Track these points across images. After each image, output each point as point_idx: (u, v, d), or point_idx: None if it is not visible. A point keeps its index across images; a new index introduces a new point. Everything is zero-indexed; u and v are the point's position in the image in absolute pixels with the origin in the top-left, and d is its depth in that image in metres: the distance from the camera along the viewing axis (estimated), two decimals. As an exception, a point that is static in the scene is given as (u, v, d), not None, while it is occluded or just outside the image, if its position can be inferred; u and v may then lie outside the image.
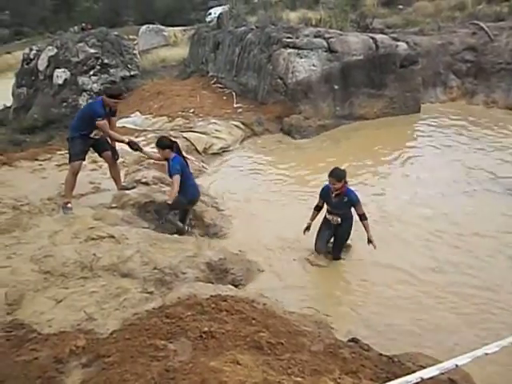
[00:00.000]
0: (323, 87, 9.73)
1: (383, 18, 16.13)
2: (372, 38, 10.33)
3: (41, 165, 6.56)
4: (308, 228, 5.20)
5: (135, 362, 2.53)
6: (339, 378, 2.61)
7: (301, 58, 9.71)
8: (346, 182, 4.91)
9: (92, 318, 3.34)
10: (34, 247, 4.26)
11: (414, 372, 2.97)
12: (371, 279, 4.81)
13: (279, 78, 9.82)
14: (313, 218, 5.22)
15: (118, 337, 2.89)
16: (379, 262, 5.03)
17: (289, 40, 10.14)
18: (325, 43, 10.08)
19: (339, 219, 5.02)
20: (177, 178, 5.05)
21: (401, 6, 17.82)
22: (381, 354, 3.44)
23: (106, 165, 6.72)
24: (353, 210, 4.99)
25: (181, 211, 5.54)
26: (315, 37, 10.28)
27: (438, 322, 4.14)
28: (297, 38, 10.26)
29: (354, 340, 3.72)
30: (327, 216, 5.15)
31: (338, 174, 4.85)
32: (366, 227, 4.93)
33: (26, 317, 3.32)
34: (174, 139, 5.59)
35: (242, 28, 12.00)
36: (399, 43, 10.49)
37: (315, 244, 5.19)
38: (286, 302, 4.40)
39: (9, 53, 32.60)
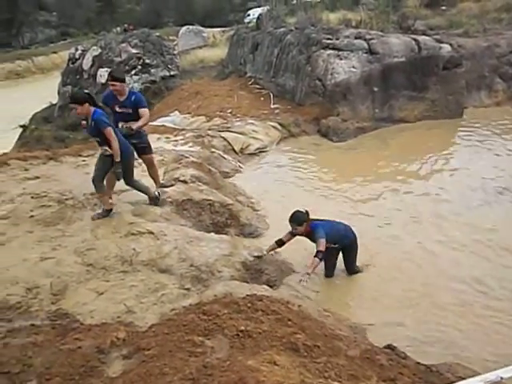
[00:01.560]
0: (362, 89, 9.60)
1: (426, 19, 15.72)
2: (414, 40, 10.12)
3: (84, 161, 6.77)
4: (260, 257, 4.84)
5: (174, 356, 2.57)
6: (377, 385, 2.57)
7: (340, 59, 9.62)
8: (310, 221, 4.59)
9: (131, 311, 3.42)
10: (77, 240, 4.40)
11: (453, 383, 2.90)
12: (406, 286, 4.70)
13: (318, 80, 9.76)
14: (269, 250, 4.89)
15: (156, 331, 2.95)
16: (411, 267, 4.94)
17: (328, 41, 10.07)
18: (365, 44, 9.95)
19: (335, 245, 4.73)
20: (110, 129, 4.61)
21: (444, 7, 17.33)
22: (418, 363, 3.37)
23: (145, 162, 6.91)
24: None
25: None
26: (356, 38, 10.17)
27: (477, 335, 4.00)
28: (337, 39, 10.17)
29: (390, 347, 3.65)
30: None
31: (297, 219, 4.59)
32: (312, 262, 4.38)
33: (69, 307, 3.44)
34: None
35: (282, 29, 11.99)
36: (443, 45, 10.23)
37: (324, 274, 4.95)
38: (320, 304, 4.39)
39: (55, 52, 33.90)
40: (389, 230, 5.78)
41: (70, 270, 3.90)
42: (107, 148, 4.74)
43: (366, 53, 9.82)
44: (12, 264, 3.88)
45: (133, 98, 5.26)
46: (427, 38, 10.58)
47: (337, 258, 4.90)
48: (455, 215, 6.03)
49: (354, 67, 9.57)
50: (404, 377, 2.92)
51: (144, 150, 5.68)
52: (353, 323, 4.20)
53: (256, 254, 4.80)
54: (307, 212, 4.66)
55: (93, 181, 4.96)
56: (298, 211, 4.69)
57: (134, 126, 5.17)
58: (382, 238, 5.60)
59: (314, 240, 4.59)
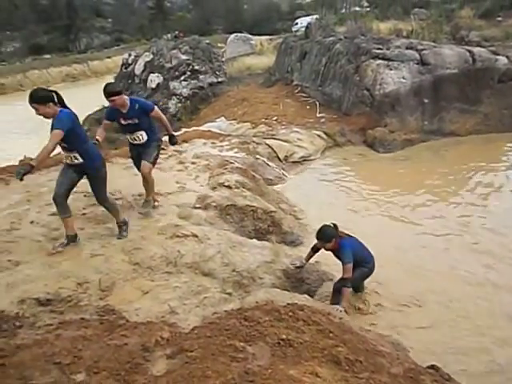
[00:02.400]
0: (412, 100, 9.41)
1: (480, 30, 15.22)
2: (469, 51, 9.83)
3: (133, 162, 6.99)
4: (300, 267, 4.75)
5: (216, 360, 2.60)
6: (422, 406, 2.48)
7: (390, 69, 9.47)
8: (339, 237, 4.35)
9: (175, 312, 3.49)
10: (125, 239, 4.54)
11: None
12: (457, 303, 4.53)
13: (366, 90, 9.65)
14: (307, 259, 4.78)
15: (199, 333, 2.99)
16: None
17: (379, 51, 9.95)
18: (417, 55, 9.76)
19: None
20: (57, 132, 3.82)
21: (500, 18, 16.73)
22: (464, 387, 3.23)
23: (192, 166, 7.06)
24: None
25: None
26: (407, 48, 9.99)
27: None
28: (387, 49, 10.03)
29: (433, 367, 3.52)
30: None
31: (325, 236, 4.32)
32: (343, 295, 4.19)
33: (116, 303, 3.55)
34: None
35: (331, 38, 11.97)
36: (499, 57, 9.87)
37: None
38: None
39: (109, 57, 35.34)
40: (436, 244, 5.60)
41: (118, 267, 4.03)
42: (76, 155, 4.07)
43: (418, 63, 9.63)
44: (64, 259, 4.06)
45: (136, 106, 4.86)
46: (482, 49, 10.25)
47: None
48: None
49: (404, 78, 9.40)
50: (450, 400, 2.81)
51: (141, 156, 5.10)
52: (394, 340, 4.09)
53: (298, 265, 4.74)
54: (336, 226, 4.39)
55: (55, 199, 4.22)
56: (326, 226, 4.38)
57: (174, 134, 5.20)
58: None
59: (339, 257, 4.36)
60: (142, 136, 5.01)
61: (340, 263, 4.35)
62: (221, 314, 3.44)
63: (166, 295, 3.74)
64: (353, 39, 11.02)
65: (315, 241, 5.48)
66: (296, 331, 3.19)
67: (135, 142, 5.10)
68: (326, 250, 4.47)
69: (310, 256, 4.76)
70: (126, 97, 4.88)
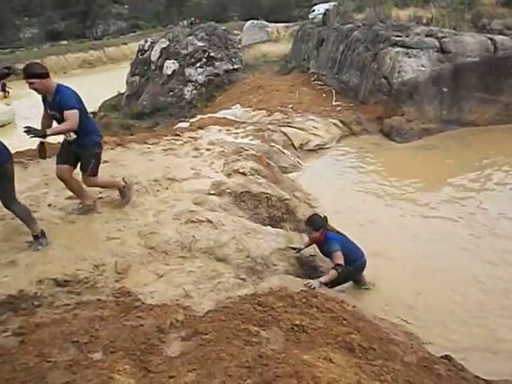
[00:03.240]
0: (431, 89, 9.24)
1: (503, 18, 14.78)
2: (490, 39, 9.58)
3: (149, 148, 7.03)
4: (296, 249, 4.64)
5: (230, 343, 2.62)
6: (436, 394, 2.48)
7: (409, 57, 9.29)
8: (326, 229, 4.34)
9: (189, 296, 3.52)
10: (140, 223, 4.58)
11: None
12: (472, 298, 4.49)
13: (383, 78, 9.50)
14: (306, 245, 4.67)
15: (213, 317, 3.02)
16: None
17: (398, 38, 9.76)
18: (437, 43, 9.55)
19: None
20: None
21: (524, 6, 16.21)
22: (477, 377, 3.22)
23: (207, 152, 7.07)
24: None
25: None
26: (427, 36, 9.78)
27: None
28: (406, 36, 9.84)
29: (447, 357, 3.50)
30: None
31: (314, 224, 4.30)
32: (329, 274, 4.05)
33: (131, 286, 3.59)
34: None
35: (349, 25, 11.78)
36: (522, 46, 9.59)
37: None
38: (373, 307, 4.29)
39: (125, 44, 35.44)
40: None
41: (133, 251, 4.07)
42: None
43: (437, 51, 9.42)
44: (81, 241, 4.11)
45: (57, 98, 4.05)
46: (505, 37, 9.97)
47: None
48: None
49: (423, 66, 9.22)
50: (463, 390, 2.79)
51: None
52: (408, 329, 4.08)
53: (295, 246, 4.67)
54: (326, 218, 4.42)
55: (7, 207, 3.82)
56: (316, 215, 4.52)
57: (49, 131, 3.95)
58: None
59: (324, 251, 4.36)
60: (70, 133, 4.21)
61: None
62: (235, 299, 3.47)
63: (181, 279, 3.78)
64: (371, 26, 10.83)
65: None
66: (310, 317, 3.20)
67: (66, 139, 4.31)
68: (312, 241, 4.47)
69: (309, 243, 4.65)
70: (52, 83, 4.07)
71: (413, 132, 8.87)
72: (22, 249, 3.89)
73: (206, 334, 2.72)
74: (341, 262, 4.10)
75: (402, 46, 9.57)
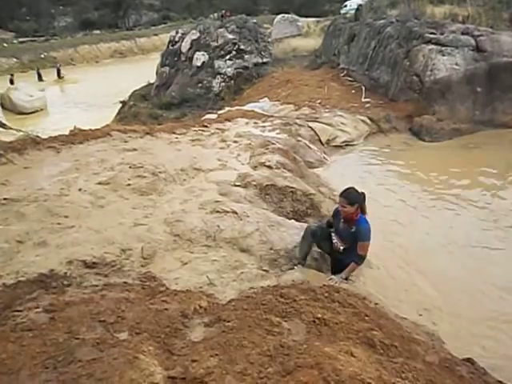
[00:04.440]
0: (464, 88, 9.03)
1: (543, 17, 14.28)
2: (529, 39, 9.28)
3: (177, 138, 7.12)
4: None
5: (252, 331, 2.65)
6: (457, 395, 2.45)
7: (443, 55, 9.10)
8: (361, 210, 3.89)
9: (213, 284, 3.57)
10: (167, 211, 4.66)
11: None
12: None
13: (415, 75, 9.34)
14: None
15: (236, 305, 3.05)
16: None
17: (432, 36, 9.57)
18: (472, 41, 9.32)
19: (341, 248, 4.05)
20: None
21: None
22: (500, 382, 3.16)
23: (234, 144, 7.10)
24: None
25: None
26: (462, 34, 9.56)
27: None
28: (441, 34, 9.63)
29: (469, 360, 3.45)
30: (333, 239, 4.13)
31: (349, 196, 3.83)
32: (350, 268, 3.91)
33: (156, 271, 3.67)
34: None
35: (381, 21, 11.59)
36: (562, 46, 9.26)
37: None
38: (396, 306, 4.25)
39: (156, 35, 35.83)
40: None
41: (159, 237, 4.14)
42: None
43: (473, 50, 9.21)
44: (109, 226, 4.21)
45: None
46: (545, 37, 9.63)
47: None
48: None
49: (457, 64, 9.02)
50: (485, 393, 2.75)
51: None
52: (430, 330, 4.03)
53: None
54: (364, 195, 3.92)
55: None
56: (353, 188, 3.96)
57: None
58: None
59: (349, 232, 3.90)
60: None
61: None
62: (257, 290, 3.49)
63: (205, 267, 3.83)
64: (405, 22, 10.63)
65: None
66: (331, 312, 3.19)
67: None
68: (344, 215, 3.91)
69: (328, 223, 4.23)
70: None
71: (443, 132, 8.70)
72: (53, 229, 4.01)
73: (229, 322, 2.76)
74: (365, 253, 3.87)
75: (435, 44, 9.39)
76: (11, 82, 25.63)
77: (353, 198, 3.81)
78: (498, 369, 3.50)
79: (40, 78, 27.41)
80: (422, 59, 9.30)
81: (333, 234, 4.12)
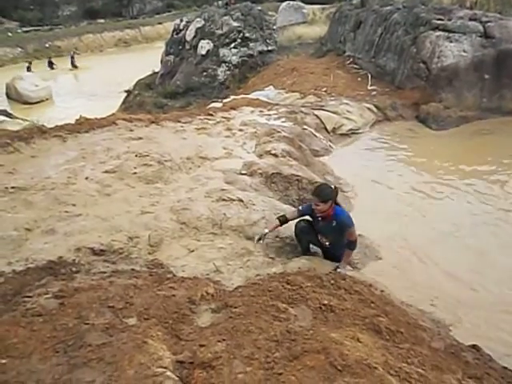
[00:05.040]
0: (471, 75, 8.92)
1: (553, 2, 14.04)
2: (539, 25, 9.13)
3: (182, 127, 7.12)
4: (260, 239, 4.08)
5: (259, 317, 2.68)
6: (463, 380, 2.47)
7: (450, 42, 8.98)
8: (335, 203, 3.87)
9: (219, 271, 3.60)
10: (173, 199, 4.68)
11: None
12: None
13: (422, 62, 9.23)
14: (272, 229, 4.16)
15: (243, 292, 3.08)
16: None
17: (439, 22, 9.43)
18: (480, 27, 9.18)
19: (327, 243, 4.09)
20: None
21: None
22: (505, 368, 3.17)
23: (239, 133, 7.09)
24: None
25: None
26: (470, 20, 9.42)
27: None
28: (449, 20, 9.49)
29: (475, 347, 3.47)
30: (318, 235, 4.14)
31: (321, 194, 3.78)
32: (346, 256, 3.94)
33: (163, 259, 3.70)
34: None
35: (388, 7, 11.43)
36: None
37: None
38: (402, 295, 4.25)
39: (160, 23, 35.59)
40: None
41: (166, 225, 4.17)
42: None
43: (481, 36, 9.07)
44: (116, 213, 4.25)
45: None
46: (554, 23, 9.47)
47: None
48: None
49: (464, 51, 8.90)
50: (491, 378, 2.77)
51: None
52: (436, 317, 4.04)
53: (257, 237, 4.08)
54: (336, 189, 3.92)
55: None
56: (325, 184, 3.99)
57: None
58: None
59: (330, 227, 3.88)
60: None
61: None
62: (264, 277, 3.52)
63: (211, 255, 3.86)
64: (412, 9, 10.48)
65: (361, 214, 5.45)
66: (338, 298, 3.21)
67: None
68: (319, 213, 3.86)
69: (275, 226, 4.18)
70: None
71: (450, 119, 8.62)
72: (61, 217, 4.05)
73: (236, 308, 2.78)
74: (353, 237, 3.85)
75: (443, 30, 9.26)
76: (28, 69, 25.86)
77: (325, 195, 3.79)
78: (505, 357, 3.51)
79: (51, 67, 27.46)
80: (429, 46, 9.19)
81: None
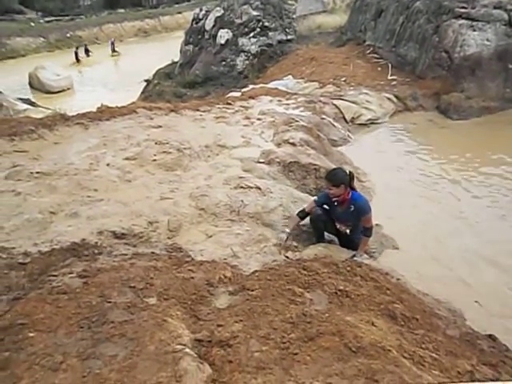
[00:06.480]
0: (495, 65, 8.75)
1: None
2: None
3: (201, 115, 7.18)
4: (287, 239, 4.10)
5: (275, 300, 2.73)
6: (477, 366, 2.49)
7: (474, 30, 8.81)
8: (351, 188, 3.82)
9: (237, 256, 3.66)
10: (192, 186, 4.75)
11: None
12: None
13: (444, 52, 9.08)
14: (293, 228, 4.19)
15: (260, 276, 3.14)
16: None
17: (462, 10, 9.24)
18: (505, 15, 8.97)
19: (347, 231, 4.10)
20: None
21: None
22: (521, 357, 3.17)
23: (257, 122, 7.11)
24: None
25: None
26: (495, 8, 9.19)
27: None
28: (472, 8, 9.28)
29: (491, 337, 3.47)
30: (336, 223, 4.14)
31: (333, 178, 3.75)
32: (363, 243, 3.93)
33: (182, 243, 3.78)
34: None
35: (410, -5, 11.23)
36: None
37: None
38: (418, 284, 4.25)
39: (180, 13, 35.61)
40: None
41: (185, 211, 4.25)
42: None
43: (505, 25, 8.87)
44: (137, 199, 4.34)
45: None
46: None
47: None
48: None
49: (488, 40, 8.72)
50: (506, 365, 2.77)
51: None
52: (452, 306, 4.04)
53: (284, 239, 4.11)
54: (351, 174, 3.83)
55: None
56: (338, 168, 3.95)
57: None
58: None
59: (348, 213, 3.85)
60: None
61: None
62: (280, 262, 3.57)
63: (229, 240, 3.92)
64: (435, -4, 10.28)
65: (379, 204, 5.44)
66: (353, 284, 3.25)
67: None
68: (333, 199, 3.87)
69: (297, 223, 4.24)
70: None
71: (471, 110, 8.47)
72: (83, 202, 4.16)
73: (253, 291, 2.85)
74: (369, 224, 3.83)
75: (466, 19, 9.07)
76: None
77: (337, 179, 3.75)
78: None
79: (87, 54, 27.91)
80: (451, 35, 9.02)
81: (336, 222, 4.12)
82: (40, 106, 14.41)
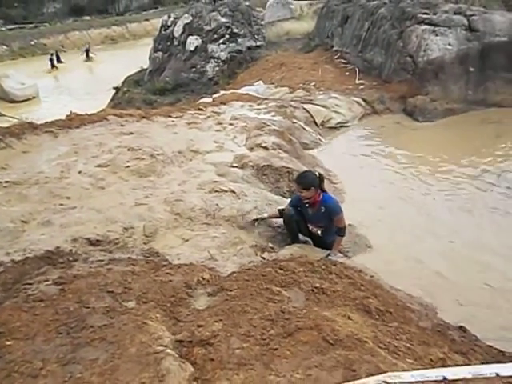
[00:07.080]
0: (457, 68, 9.10)
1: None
2: (521, 18, 9.33)
3: (173, 121, 7.18)
4: (257, 219, 4.38)
5: (254, 299, 2.78)
6: (449, 354, 2.60)
7: (436, 35, 9.15)
8: (321, 190, 3.94)
9: (214, 259, 3.69)
10: (166, 191, 4.75)
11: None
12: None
13: (409, 56, 9.39)
14: (269, 216, 4.43)
15: (237, 277, 3.18)
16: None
17: (425, 16, 9.60)
18: (465, 21, 9.36)
19: (319, 232, 4.19)
20: None
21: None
22: (490, 346, 3.31)
23: (229, 127, 7.17)
24: None
25: None
26: (455, 14, 9.59)
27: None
28: (434, 14, 9.66)
29: (461, 328, 3.61)
30: (309, 225, 4.24)
31: (303, 181, 3.87)
32: (337, 243, 4.01)
33: (159, 248, 3.78)
34: None
35: (375, 2, 11.57)
36: (554, 25, 9.32)
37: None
38: (391, 281, 4.37)
39: (147, 20, 35.40)
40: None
41: (160, 216, 4.25)
42: None
43: (465, 30, 9.25)
44: (111, 206, 4.31)
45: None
46: (536, 17, 9.68)
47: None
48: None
49: (450, 44, 9.07)
50: (476, 353, 2.90)
51: None
52: (424, 301, 4.17)
53: (254, 218, 4.41)
54: (321, 176, 3.94)
55: None
56: (307, 171, 4.09)
57: None
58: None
59: (320, 214, 3.96)
60: None
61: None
62: (257, 263, 3.62)
63: (206, 244, 3.94)
64: (398, 3, 10.64)
65: (351, 204, 5.58)
66: (329, 282, 3.33)
67: None
68: (304, 202, 3.97)
69: (273, 215, 4.45)
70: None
71: (436, 112, 8.79)
72: (56, 210, 4.10)
73: (231, 291, 2.88)
74: (342, 224, 3.91)
75: (429, 24, 9.42)
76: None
77: (306, 182, 3.86)
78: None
79: (58, 60, 27.29)
80: (415, 40, 9.35)
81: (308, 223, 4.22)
82: (5, 115, 14.02)
